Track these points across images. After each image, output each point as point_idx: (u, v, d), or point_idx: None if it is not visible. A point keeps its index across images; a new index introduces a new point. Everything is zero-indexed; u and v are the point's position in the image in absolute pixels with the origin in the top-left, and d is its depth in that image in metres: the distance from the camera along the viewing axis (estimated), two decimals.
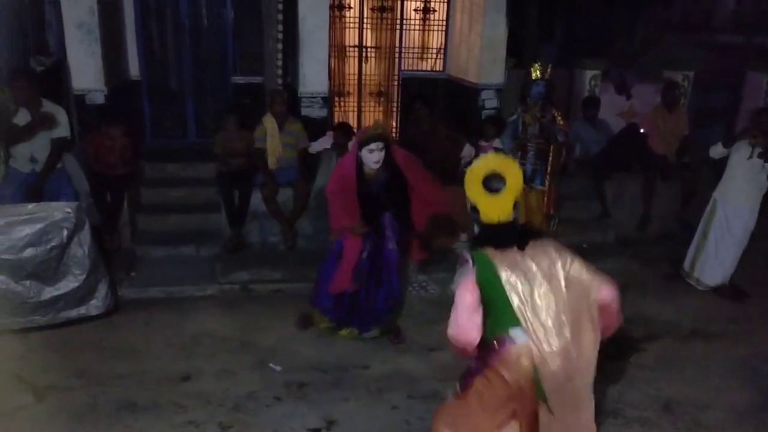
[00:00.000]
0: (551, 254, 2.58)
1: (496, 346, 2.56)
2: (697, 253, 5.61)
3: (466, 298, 2.53)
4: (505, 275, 2.51)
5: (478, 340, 2.54)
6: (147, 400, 3.73)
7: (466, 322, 2.53)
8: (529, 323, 2.51)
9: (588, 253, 6.22)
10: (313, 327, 4.60)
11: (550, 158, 5.57)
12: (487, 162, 2.65)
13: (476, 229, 2.67)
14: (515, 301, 2.51)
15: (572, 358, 2.52)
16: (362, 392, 3.90)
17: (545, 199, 5.67)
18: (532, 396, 2.57)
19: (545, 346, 2.50)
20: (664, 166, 6.68)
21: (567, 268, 2.59)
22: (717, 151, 5.43)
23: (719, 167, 5.56)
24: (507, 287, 2.52)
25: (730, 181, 5.37)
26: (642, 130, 6.76)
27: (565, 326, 2.53)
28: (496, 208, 2.57)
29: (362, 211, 4.23)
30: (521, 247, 2.55)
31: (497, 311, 2.56)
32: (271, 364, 4.15)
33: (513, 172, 2.59)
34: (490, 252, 2.54)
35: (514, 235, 2.58)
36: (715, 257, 5.49)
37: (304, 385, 3.95)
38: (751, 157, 5.16)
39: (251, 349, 4.36)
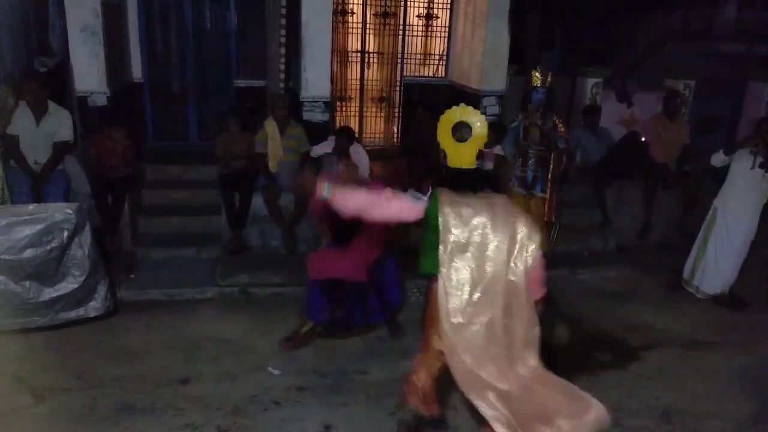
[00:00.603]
0: (516, 227, 2.73)
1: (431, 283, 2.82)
2: (697, 262, 5.60)
3: (401, 202, 2.76)
4: (444, 218, 2.70)
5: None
6: (145, 402, 3.73)
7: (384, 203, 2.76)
8: (445, 273, 2.72)
9: (589, 261, 6.31)
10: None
11: (551, 165, 5.57)
12: (456, 111, 2.96)
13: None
14: (443, 246, 2.70)
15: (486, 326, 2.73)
16: (361, 397, 3.90)
17: (546, 206, 5.67)
18: None
19: (456, 301, 2.72)
20: (665, 174, 6.69)
21: (524, 253, 2.72)
22: (718, 159, 5.43)
23: (720, 175, 5.56)
24: (442, 228, 2.70)
25: (731, 189, 5.38)
26: (643, 138, 6.78)
27: (486, 296, 2.72)
28: (461, 155, 2.84)
29: (336, 232, 4.36)
30: (474, 191, 2.76)
31: (429, 249, 2.75)
32: (269, 368, 4.15)
33: (479, 123, 2.87)
34: (446, 193, 2.75)
35: (473, 182, 2.80)
36: (715, 266, 5.49)
37: (303, 389, 3.95)
38: (753, 167, 5.17)
39: (251, 352, 4.36)
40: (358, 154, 6.14)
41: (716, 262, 5.48)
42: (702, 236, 5.58)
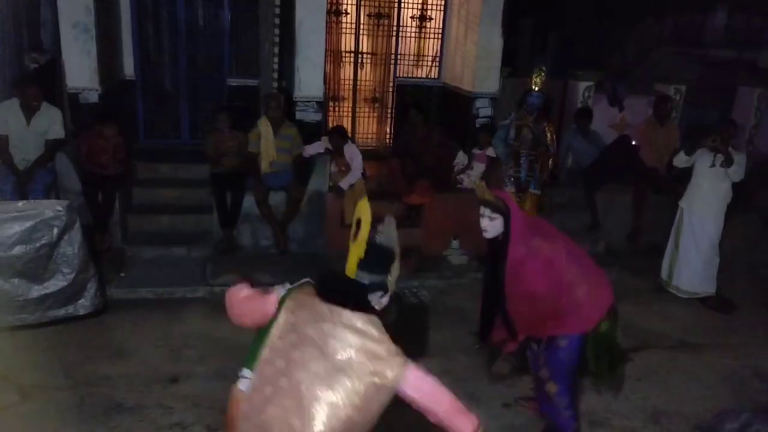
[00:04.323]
0: (349, 334, 2.09)
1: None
2: (672, 262, 5.72)
3: (250, 293, 2.36)
4: (285, 317, 2.17)
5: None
6: (134, 401, 3.71)
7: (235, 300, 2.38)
8: (256, 373, 2.20)
9: None
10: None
11: (539, 165, 5.64)
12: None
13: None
14: (268, 343, 2.19)
15: None
16: None
17: (539, 202, 5.74)
18: None
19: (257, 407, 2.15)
20: (655, 178, 6.73)
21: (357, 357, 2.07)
22: (680, 159, 5.54)
23: (686, 176, 5.66)
24: (274, 326, 2.19)
25: (694, 189, 5.49)
26: (633, 142, 6.82)
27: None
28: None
29: None
30: (328, 301, 2.15)
31: (256, 342, 2.28)
32: None
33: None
34: (306, 292, 2.22)
35: (336, 294, 2.18)
36: (688, 265, 5.60)
37: None
38: (713, 165, 5.26)
39: (240, 351, 4.30)
40: (352, 153, 6.15)
41: (688, 262, 5.59)
42: (673, 237, 5.72)
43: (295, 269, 5.47)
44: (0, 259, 4.12)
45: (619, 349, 3.51)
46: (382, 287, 2.26)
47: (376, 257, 2.29)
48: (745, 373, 4.45)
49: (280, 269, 5.57)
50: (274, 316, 2.21)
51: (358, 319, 2.11)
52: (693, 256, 5.56)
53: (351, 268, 2.23)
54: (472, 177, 6.65)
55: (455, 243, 6.16)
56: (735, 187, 5.43)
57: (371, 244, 2.28)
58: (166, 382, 3.94)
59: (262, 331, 2.27)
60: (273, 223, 5.87)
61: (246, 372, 2.25)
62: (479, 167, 6.66)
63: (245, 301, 2.41)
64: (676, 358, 4.64)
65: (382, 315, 2.23)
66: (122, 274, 5.35)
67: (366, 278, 2.23)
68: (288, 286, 2.27)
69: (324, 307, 2.13)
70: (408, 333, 4.67)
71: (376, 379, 2.08)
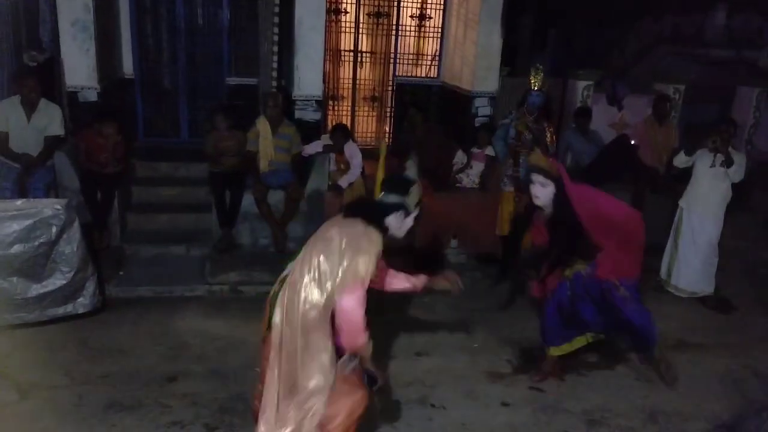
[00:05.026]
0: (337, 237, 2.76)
1: None
2: (672, 261, 5.73)
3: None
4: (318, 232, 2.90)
5: None
6: (132, 399, 3.71)
7: None
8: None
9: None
10: None
11: None
12: None
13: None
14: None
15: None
16: None
17: None
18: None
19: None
20: (654, 177, 6.73)
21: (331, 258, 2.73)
22: (680, 159, 5.55)
23: (686, 177, 5.67)
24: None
25: (694, 190, 5.51)
26: (633, 142, 6.82)
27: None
28: None
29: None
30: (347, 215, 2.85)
31: None
32: (256, 369, 4.12)
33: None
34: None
35: (355, 210, 2.89)
36: (687, 265, 5.61)
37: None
38: (713, 165, 5.28)
39: (239, 350, 4.34)
40: (352, 151, 6.15)
41: (688, 261, 5.60)
42: (672, 236, 5.74)
43: None
44: None
45: None
46: (402, 207, 2.83)
47: (398, 181, 3.01)
48: (743, 373, 4.45)
49: (279, 268, 5.56)
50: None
51: (362, 225, 2.75)
52: (692, 256, 5.57)
53: (377, 192, 3.01)
54: (471, 176, 6.66)
55: (454, 242, 6.16)
56: (734, 187, 5.43)
57: (394, 174, 3.29)
58: (164, 380, 3.94)
59: None
60: (272, 222, 5.87)
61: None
62: (478, 166, 6.67)
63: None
64: (674, 358, 4.62)
65: (398, 236, 2.85)
66: (121, 273, 5.35)
67: (387, 199, 2.84)
68: None
69: (342, 219, 2.83)
70: (404, 330, 4.70)
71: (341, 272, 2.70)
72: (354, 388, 2.82)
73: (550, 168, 3.64)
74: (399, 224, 2.84)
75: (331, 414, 2.75)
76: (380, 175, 3.11)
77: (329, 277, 2.69)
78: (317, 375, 2.72)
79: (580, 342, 4.18)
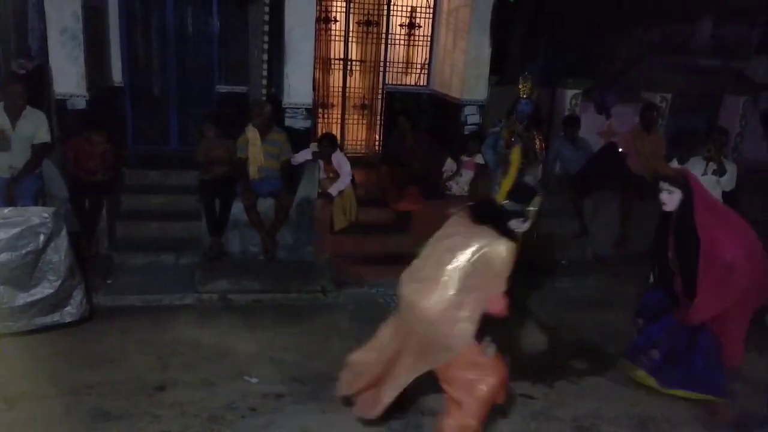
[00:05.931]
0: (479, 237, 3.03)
1: None
2: None
3: None
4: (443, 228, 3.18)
5: None
6: (121, 409, 3.67)
7: None
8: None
9: (567, 270, 6.37)
10: None
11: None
12: None
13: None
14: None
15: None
16: (340, 403, 3.87)
17: None
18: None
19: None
20: (641, 185, 6.78)
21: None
22: (673, 167, 5.57)
23: None
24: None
25: None
26: (620, 150, 6.87)
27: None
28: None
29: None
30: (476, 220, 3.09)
31: None
32: (246, 377, 4.11)
33: None
34: (465, 214, 3.17)
35: (483, 215, 3.12)
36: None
37: (281, 396, 3.93)
38: (706, 173, 5.33)
39: (229, 359, 4.32)
40: (340, 160, 6.16)
41: None
42: None
43: (284, 276, 5.49)
44: None
45: None
46: (522, 215, 3.11)
47: (522, 191, 3.31)
48: (732, 381, 4.46)
49: (269, 276, 5.56)
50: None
51: (494, 234, 3.01)
52: None
53: (501, 198, 3.42)
54: (461, 184, 6.68)
55: None
56: (725, 195, 5.46)
57: (520, 182, 3.84)
58: (153, 389, 3.91)
59: None
60: (261, 229, 5.86)
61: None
62: (468, 174, 6.69)
63: None
64: None
65: (517, 238, 3.05)
66: (109, 281, 5.31)
67: (511, 206, 3.11)
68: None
69: (470, 222, 3.09)
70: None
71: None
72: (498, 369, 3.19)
73: (676, 175, 3.88)
74: (516, 227, 3.10)
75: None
76: (508, 183, 3.77)
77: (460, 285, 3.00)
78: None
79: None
